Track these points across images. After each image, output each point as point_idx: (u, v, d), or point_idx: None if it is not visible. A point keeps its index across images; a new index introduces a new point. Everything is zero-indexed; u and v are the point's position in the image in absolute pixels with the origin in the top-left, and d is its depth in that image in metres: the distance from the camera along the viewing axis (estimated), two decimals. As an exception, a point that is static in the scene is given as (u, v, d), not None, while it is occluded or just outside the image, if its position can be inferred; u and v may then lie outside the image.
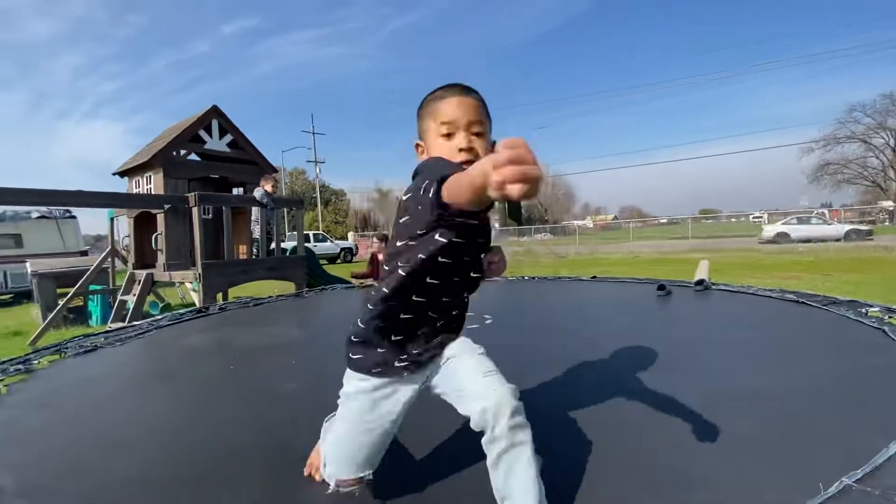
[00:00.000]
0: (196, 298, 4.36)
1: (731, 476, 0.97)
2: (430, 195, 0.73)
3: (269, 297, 4.16)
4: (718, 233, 23.29)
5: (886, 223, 24.10)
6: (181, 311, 3.38)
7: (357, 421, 0.93)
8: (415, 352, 0.92)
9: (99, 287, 7.63)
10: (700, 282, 3.35)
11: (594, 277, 4.44)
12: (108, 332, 2.91)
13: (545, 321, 2.88)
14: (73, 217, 13.97)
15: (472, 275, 0.95)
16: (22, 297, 12.08)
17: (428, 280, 0.87)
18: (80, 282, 7.05)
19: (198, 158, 6.22)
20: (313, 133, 41.53)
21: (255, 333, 2.80)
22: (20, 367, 2.13)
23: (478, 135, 0.90)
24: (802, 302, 2.61)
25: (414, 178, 0.87)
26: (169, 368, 2.21)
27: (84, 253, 12.99)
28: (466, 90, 0.93)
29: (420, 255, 0.83)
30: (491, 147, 0.93)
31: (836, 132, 30.93)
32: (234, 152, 6.43)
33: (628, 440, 1.17)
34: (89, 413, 1.65)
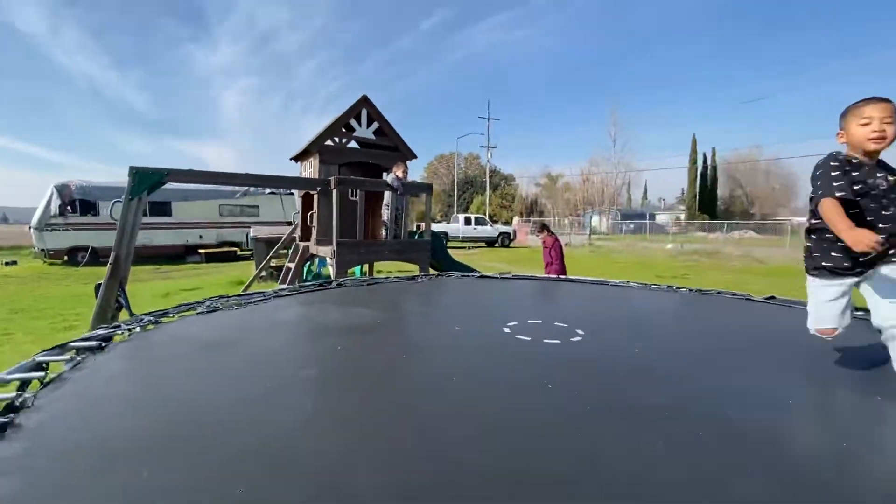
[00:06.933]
0: (332, 272, 4.98)
1: None
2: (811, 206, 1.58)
3: (386, 277, 4.36)
4: None
5: None
6: (306, 282, 3.86)
7: None
8: None
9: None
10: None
11: (772, 297, 3.26)
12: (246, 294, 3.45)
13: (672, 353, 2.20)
14: (292, 193, 17.52)
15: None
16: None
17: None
18: (275, 248, 8.77)
19: (354, 144, 6.94)
20: (488, 118, 42.52)
21: (344, 311, 2.88)
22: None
23: (888, 124, 1.46)
24: None
25: (813, 177, 1.56)
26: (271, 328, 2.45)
27: (290, 223, 16.24)
28: (880, 98, 1.50)
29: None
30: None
31: None
32: (378, 139, 6.94)
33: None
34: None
